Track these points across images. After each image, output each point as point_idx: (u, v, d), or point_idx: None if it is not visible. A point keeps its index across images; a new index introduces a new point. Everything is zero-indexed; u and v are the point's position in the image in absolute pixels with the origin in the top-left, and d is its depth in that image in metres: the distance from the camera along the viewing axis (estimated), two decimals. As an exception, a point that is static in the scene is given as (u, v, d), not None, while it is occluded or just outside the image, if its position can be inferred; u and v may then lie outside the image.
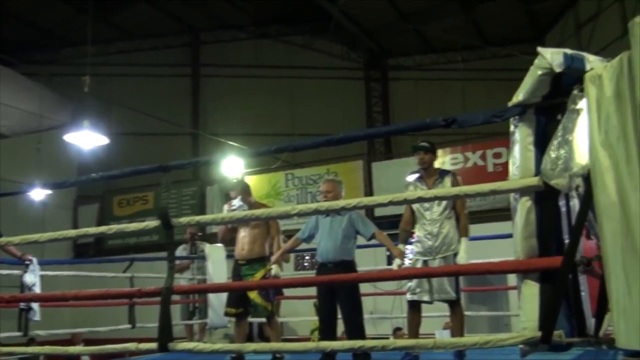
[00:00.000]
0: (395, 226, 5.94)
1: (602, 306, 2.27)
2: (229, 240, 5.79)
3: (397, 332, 9.10)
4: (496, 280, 10.78)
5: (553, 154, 2.25)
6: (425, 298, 4.89)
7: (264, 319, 5.80)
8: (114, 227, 3.12)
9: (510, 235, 6.98)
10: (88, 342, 10.55)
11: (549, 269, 2.29)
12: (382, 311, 9.63)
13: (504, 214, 11.22)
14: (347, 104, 17.40)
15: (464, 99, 16.10)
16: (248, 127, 16.60)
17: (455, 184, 4.83)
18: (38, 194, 12.03)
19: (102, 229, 3.18)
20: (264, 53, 17.85)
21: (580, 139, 2.24)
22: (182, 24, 17.25)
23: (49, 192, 12.06)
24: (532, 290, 2.34)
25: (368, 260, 9.32)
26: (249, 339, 7.03)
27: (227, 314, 5.64)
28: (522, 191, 2.40)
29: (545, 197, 2.37)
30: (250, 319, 6.08)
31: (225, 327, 8.09)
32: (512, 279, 9.94)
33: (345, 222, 5.31)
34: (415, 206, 5.01)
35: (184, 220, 3.04)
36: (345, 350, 2.42)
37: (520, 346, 2.31)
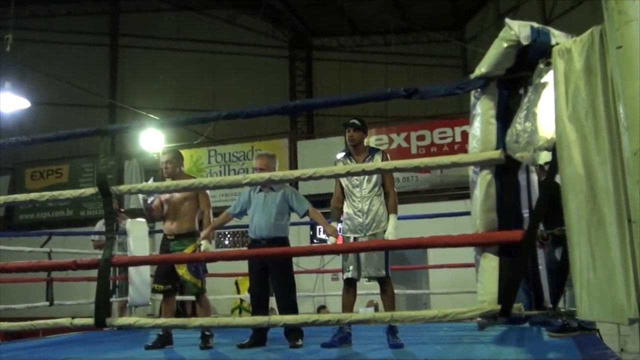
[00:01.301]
0: (320, 205, 5.88)
1: (561, 278, 2.29)
2: (159, 218, 5.56)
3: (321, 310, 9.11)
4: (415, 260, 10.98)
5: (518, 127, 2.24)
6: (360, 276, 4.88)
7: (192, 297, 5.64)
8: (46, 194, 2.88)
9: (434, 216, 7.12)
10: (1, 320, 9.99)
11: (509, 242, 2.29)
12: (305, 290, 9.63)
13: (426, 195, 11.47)
14: (270, 82, 17.22)
15: (386, 82, 16.29)
16: (167, 101, 16.17)
17: (386, 161, 4.81)
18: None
19: (33, 195, 2.92)
20: (186, 26, 17.37)
21: (545, 112, 2.23)
22: (102, -10, 16.52)
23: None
24: (491, 263, 2.33)
25: (292, 238, 9.28)
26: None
27: (154, 291, 5.42)
28: (483, 164, 2.38)
29: (505, 171, 2.36)
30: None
31: (146, 305, 7.85)
32: (432, 259, 10.17)
33: (279, 198, 5.21)
34: (344, 183, 4.99)
35: (124, 187, 2.85)
36: (299, 325, 2.33)
37: (478, 319, 2.30)
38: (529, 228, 2.23)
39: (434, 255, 10.04)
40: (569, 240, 2.11)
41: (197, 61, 17.24)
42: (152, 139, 12.61)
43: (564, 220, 2.13)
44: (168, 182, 2.96)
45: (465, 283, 8.82)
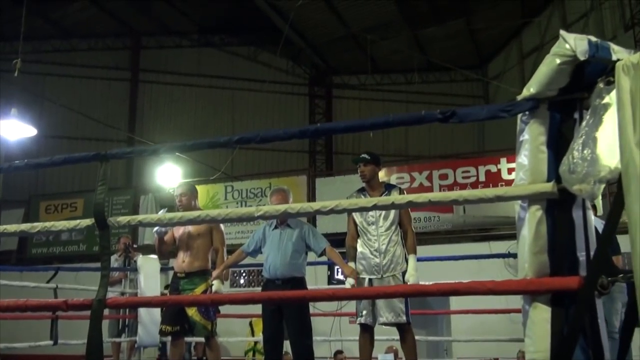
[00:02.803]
0: (338, 244, 5.54)
1: (626, 335, 1.94)
2: (169, 254, 5.28)
3: (337, 355, 8.69)
4: (436, 303, 10.54)
5: (576, 154, 1.92)
6: (375, 321, 4.55)
7: (202, 339, 5.31)
8: (38, 225, 2.61)
9: (458, 258, 6.69)
10: (4, 359, 9.65)
11: (564, 291, 1.95)
12: (321, 333, 9.22)
13: (447, 236, 11.08)
14: (290, 119, 17.09)
15: (407, 121, 16.01)
16: (186, 137, 16.01)
17: None
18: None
19: (24, 226, 2.66)
20: (206, 62, 17.39)
21: (607, 138, 1.92)
22: (124, 26, 16.55)
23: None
24: (542, 315, 1.99)
25: (308, 278, 8.91)
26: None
27: (162, 332, 5.10)
28: (532, 199, 2.05)
29: (559, 206, 2.03)
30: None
31: (156, 346, 7.51)
32: (454, 304, 9.72)
33: (295, 235, 4.91)
34: (358, 220, 4.69)
35: (122, 219, 2.56)
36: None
37: (527, 381, 1.96)
38: (589, 274, 1.90)
39: (457, 299, 9.62)
40: (637, 289, 1.77)
41: (216, 97, 17.20)
42: (168, 174, 12.41)
43: (633, 265, 1.80)
44: (171, 214, 2.69)
45: (489, 329, 8.41)
